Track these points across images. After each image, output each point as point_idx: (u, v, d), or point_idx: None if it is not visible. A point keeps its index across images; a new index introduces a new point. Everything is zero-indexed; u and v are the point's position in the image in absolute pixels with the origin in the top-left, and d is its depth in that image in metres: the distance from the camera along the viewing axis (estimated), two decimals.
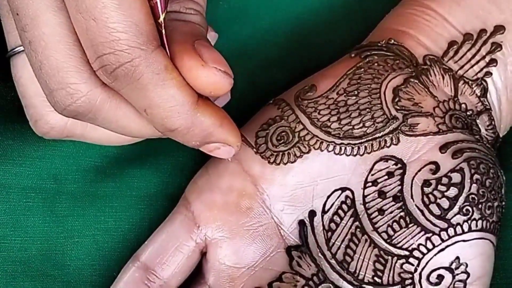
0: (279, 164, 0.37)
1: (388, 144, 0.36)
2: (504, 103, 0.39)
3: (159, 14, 0.29)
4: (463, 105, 0.38)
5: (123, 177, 0.39)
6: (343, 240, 0.37)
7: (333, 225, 0.37)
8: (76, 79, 0.30)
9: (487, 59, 0.38)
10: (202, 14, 0.35)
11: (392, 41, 0.38)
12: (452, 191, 0.36)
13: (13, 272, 0.37)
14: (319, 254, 0.37)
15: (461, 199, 0.36)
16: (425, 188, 0.36)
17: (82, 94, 0.31)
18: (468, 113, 0.38)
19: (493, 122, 0.38)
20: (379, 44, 0.38)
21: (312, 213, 0.37)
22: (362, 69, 0.37)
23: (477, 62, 0.38)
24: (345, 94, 0.37)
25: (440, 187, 0.36)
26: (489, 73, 0.38)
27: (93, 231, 0.39)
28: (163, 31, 0.30)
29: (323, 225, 0.37)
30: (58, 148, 0.39)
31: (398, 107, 0.37)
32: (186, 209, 0.38)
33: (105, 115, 0.32)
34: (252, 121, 0.38)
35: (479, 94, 0.38)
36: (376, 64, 0.38)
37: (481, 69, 0.38)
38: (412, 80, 0.37)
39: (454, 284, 0.36)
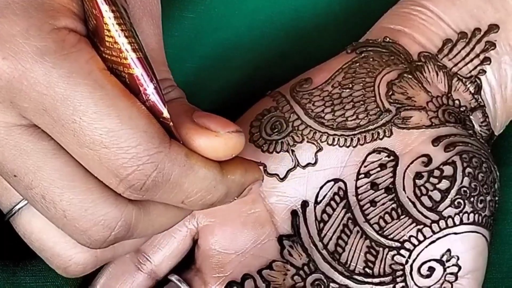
0: (271, 152, 0.37)
1: (381, 136, 0.37)
2: (499, 101, 0.39)
3: (162, 110, 0.29)
4: (457, 101, 0.38)
5: None
6: (335, 231, 0.37)
7: (325, 216, 0.37)
8: (107, 208, 0.29)
9: (481, 57, 0.38)
10: (175, 84, 0.34)
11: (388, 39, 0.39)
12: (444, 184, 0.36)
13: (13, 267, 0.37)
14: (311, 245, 0.37)
15: (453, 192, 0.36)
16: (417, 180, 0.36)
17: (118, 219, 0.30)
18: (461, 109, 0.38)
19: (487, 119, 0.39)
20: (375, 42, 0.39)
21: (304, 204, 0.37)
22: (358, 64, 0.38)
23: (471, 60, 0.38)
24: (339, 87, 0.37)
25: (432, 180, 0.36)
26: (483, 71, 0.38)
27: None
28: (171, 123, 0.29)
29: (315, 215, 0.37)
30: None
31: (391, 100, 0.37)
32: None
33: (142, 226, 0.31)
34: (248, 112, 0.39)
35: (472, 91, 0.38)
36: (371, 59, 0.38)
37: (475, 67, 0.38)
38: (406, 75, 0.37)
39: (445, 276, 0.36)
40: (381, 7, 0.41)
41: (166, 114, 0.29)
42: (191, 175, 0.29)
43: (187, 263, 0.38)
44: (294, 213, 0.37)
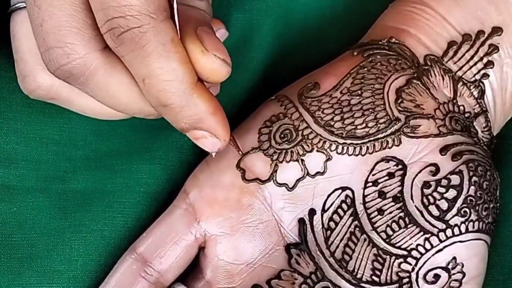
0: (281, 162, 0.36)
1: (390, 145, 0.37)
2: (499, 104, 0.39)
3: None
4: (462, 107, 0.38)
5: (132, 173, 0.39)
6: (342, 239, 0.37)
7: (332, 224, 0.37)
8: (76, 39, 0.31)
9: (485, 60, 0.38)
10: (208, 0, 0.35)
11: (394, 39, 0.38)
12: (451, 193, 0.36)
13: (19, 268, 0.37)
14: (318, 253, 0.37)
15: (460, 201, 0.36)
16: (424, 190, 0.36)
17: (78, 56, 0.31)
18: (466, 115, 0.38)
19: (489, 124, 0.39)
20: (380, 43, 0.38)
21: (312, 212, 0.37)
22: (365, 69, 0.37)
23: (475, 63, 0.38)
24: (348, 94, 0.37)
25: (440, 189, 0.36)
26: (486, 75, 0.38)
27: (101, 226, 0.38)
28: (175, 4, 0.31)
29: (322, 223, 0.37)
30: (63, 151, 0.38)
31: (400, 108, 0.37)
32: (186, 203, 0.37)
33: (97, 81, 0.32)
34: (254, 117, 0.38)
35: (476, 96, 0.38)
36: (379, 63, 0.38)
37: (479, 71, 0.38)
38: (414, 81, 0.37)
39: (449, 283, 0.37)
40: (383, 8, 0.41)
41: None
42: (164, 57, 0.30)
43: (189, 271, 0.38)
44: (301, 221, 0.37)
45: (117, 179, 0.39)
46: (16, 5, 0.35)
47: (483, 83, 0.38)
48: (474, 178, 0.37)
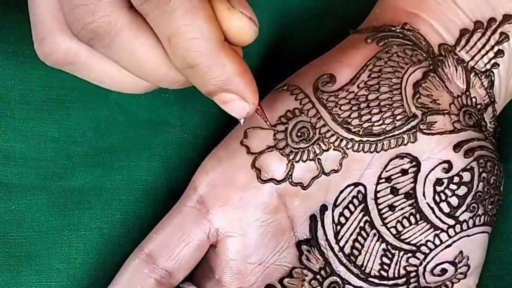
0: (298, 162, 0.35)
1: (405, 142, 0.36)
2: (503, 91, 0.39)
3: None
4: (474, 99, 0.37)
5: (131, 170, 0.38)
6: (351, 234, 0.37)
7: (342, 219, 0.36)
8: None
9: (495, 49, 0.38)
10: None
11: (408, 26, 0.37)
12: (462, 190, 0.36)
13: (17, 266, 0.37)
14: (327, 247, 0.36)
15: (470, 197, 0.36)
16: (437, 187, 0.36)
17: (104, 13, 0.30)
18: (478, 107, 0.38)
19: (495, 114, 0.39)
20: (393, 29, 0.37)
21: (323, 207, 0.36)
22: (382, 61, 0.36)
23: (487, 52, 0.38)
24: (366, 88, 0.36)
25: (452, 186, 0.36)
26: (496, 64, 0.38)
27: (100, 224, 0.38)
28: None
29: (332, 218, 0.36)
30: (62, 148, 0.38)
31: (418, 105, 0.36)
32: (196, 200, 0.36)
33: (123, 42, 0.30)
34: (266, 108, 0.36)
35: (486, 86, 0.38)
36: (395, 55, 0.36)
37: (490, 60, 0.38)
38: (431, 74, 0.36)
39: (455, 275, 0.37)
40: None
41: None
42: (190, 14, 0.29)
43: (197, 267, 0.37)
44: (313, 217, 0.36)
45: (116, 176, 0.38)
46: None
47: (493, 72, 0.38)
48: (484, 174, 0.37)
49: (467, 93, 0.37)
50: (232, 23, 0.30)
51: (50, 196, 0.37)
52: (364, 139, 0.35)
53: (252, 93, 0.31)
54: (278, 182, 0.35)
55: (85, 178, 0.38)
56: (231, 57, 0.30)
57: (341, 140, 0.35)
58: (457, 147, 0.36)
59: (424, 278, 0.37)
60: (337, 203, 0.36)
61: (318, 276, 0.37)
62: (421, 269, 0.37)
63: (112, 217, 0.38)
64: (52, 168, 0.37)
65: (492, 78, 0.38)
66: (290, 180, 0.35)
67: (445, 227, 0.36)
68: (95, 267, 0.37)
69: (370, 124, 0.35)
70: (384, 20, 0.38)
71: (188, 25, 0.29)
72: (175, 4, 0.29)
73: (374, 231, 0.37)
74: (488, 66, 0.38)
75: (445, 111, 0.36)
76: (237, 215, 0.36)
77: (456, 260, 0.37)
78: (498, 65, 0.38)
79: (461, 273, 0.37)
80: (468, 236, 0.37)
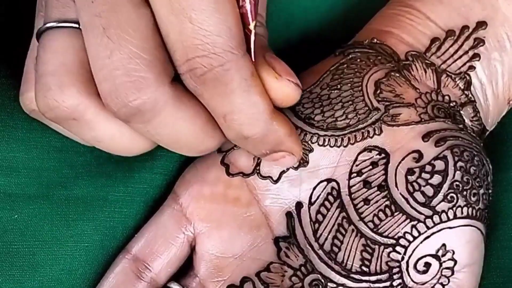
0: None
1: (371, 135, 0.37)
2: (491, 97, 0.39)
3: (249, 21, 0.30)
4: (446, 97, 0.38)
5: (134, 182, 0.39)
6: (330, 231, 0.37)
7: (320, 217, 0.37)
8: (148, 72, 0.29)
9: (470, 53, 0.38)
10: (264, 24, 0.36)
11: (376, 40, 0.39)
12: (436, 179, 0.36)
13: (20, 277, 0.37)
14: (307, 245, 0.37)
15: (445, 186, 0.36)
16: (409, 177, 0.36)
17: (150, 89, 0.29)
18: (451, 104, 0.38)
19: (478, 114, 0.39)
20: (362, 43, 0.39)
21: (298, 205, 0.37)
22: (345, 65, 0.38)
23: (460, 57, 0.38)
24: (328, 88, 0.38)
25: (424, 175, 0.36)
26: (472, 67, 0.38)
27: (101, 236, 0.38)
28: (253, 37, 0.31)
29: (310, 216, 0.37)
30: (65, 158, 0.38)
31: (379, 99, 0.37)
32: (175, 202, 0.38)
33: (164, 118, 0.30)
34: None
35: (462, 87, 0.38)
36: (358, 60, 0.38)
37: (464, 63, 0.38)
38: (393, 73, 0.38)
39: (441, 271, 0.36)
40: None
41: (252, 26, 0.30)
42: (246, 92, 0.30)
43: (185, 270, 0.39)
44: (289, 214, 0.37)
45: (119, 187, 0.39)
46: (48, 25, 0.32)
47: (469, 75, 0.38)
48: (460, 163, 0.36)
49: (438, 91, 0.38)
50: (281, 91, 0.33)
51: (53, 205, 0.37)
52: (329, 133, 0.37)
53: (299, 147, 0.35)
54: (246, 175, 0.37)
55: (88, 187, 0.38)
56: (281, 122, 0.33)
57: (305, 134, 0.37)
58: (426, 136, 0.37)
59: (409, 275, 0.36)
60: (313, 201, 0.37)
61: (298, 273, 0.37)
62: (403, 264, 0.36)
63: (113, 230, 0.38)
64: (55, 178, 0.38)
65: (468, 79, 0.38)
66: (258, 173, 0.37)
67: (421, 217, 0.36)
68: (95, 279, 0.38)
69: (333, 119, 0.37)
70: (357, 39, 0.40)
71: (244, 103, 0.31)
72: (233, 85, 0.30)
73: (352, 226, 0.37)
74: (463, 69, 0.38)
75: (409, 104, 0.37)
76: (210, 209, 0.37)
77: (439, 253, 0.36)
78: (475, 67, 0.38)
79: (447, 268, 0.36)
80: (450, 228, 0.36)
